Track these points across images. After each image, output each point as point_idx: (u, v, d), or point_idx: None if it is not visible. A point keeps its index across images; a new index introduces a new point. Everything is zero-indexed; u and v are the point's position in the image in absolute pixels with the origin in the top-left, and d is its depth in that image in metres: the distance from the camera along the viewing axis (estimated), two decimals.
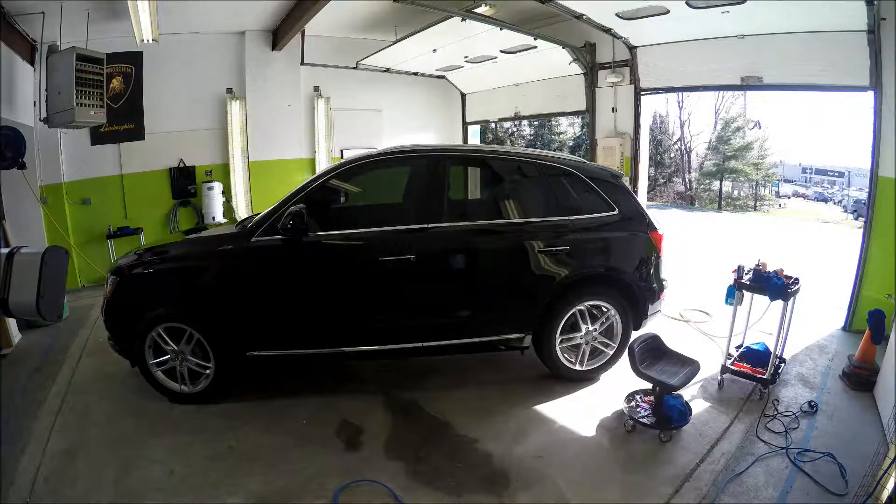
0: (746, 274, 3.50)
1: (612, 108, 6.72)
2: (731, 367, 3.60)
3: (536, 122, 25.17)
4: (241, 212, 7.23)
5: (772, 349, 3.50)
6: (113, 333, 3.43)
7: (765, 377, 3.43)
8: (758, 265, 3.52)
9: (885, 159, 4.17)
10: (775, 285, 3.34)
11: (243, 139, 7.16)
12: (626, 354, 3.39)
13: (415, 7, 5.28)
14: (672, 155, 27.19)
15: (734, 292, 3.49)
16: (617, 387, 3.49)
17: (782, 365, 3.73)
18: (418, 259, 3.27)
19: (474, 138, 10.18)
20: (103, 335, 3.63)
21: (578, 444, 3.00)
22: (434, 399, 3.44)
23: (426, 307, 3.43)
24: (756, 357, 3.61)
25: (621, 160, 6.58)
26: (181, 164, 6.88)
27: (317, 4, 5.47)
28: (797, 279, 3.42)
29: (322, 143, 7.95)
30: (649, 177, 9.81)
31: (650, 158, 9.93)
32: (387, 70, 8.28)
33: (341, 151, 8.04)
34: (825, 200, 27.25)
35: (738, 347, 3.81)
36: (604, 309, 3.58)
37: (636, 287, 3.61)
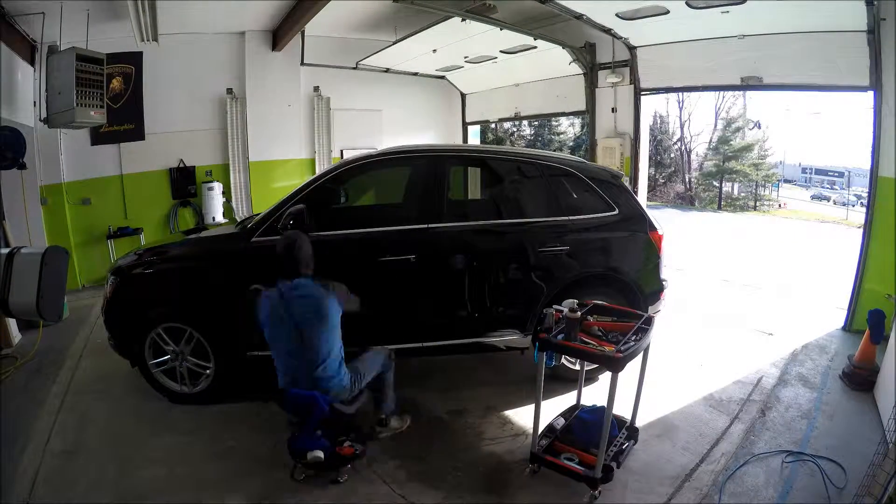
0: (558, 326, 2.39)
1: (612, 109, 6.71)
2: (542, 455, 2.50)
3: (536, 123, 25.10)
4: (241, 212, 7.23)
5: (627, 417, 2.42)
6: (113, 333, 3.43)
7: (590, 475, 2.19)
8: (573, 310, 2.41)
9: (885, 159, 4.17)
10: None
11: (243, 139, 7.16)
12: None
13: (415, 7, 5.28)
14: (672, 155, 27.15)
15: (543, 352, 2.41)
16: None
17: (629, 444, 2.61)
18: (418, 259, 3.27)
19: (474, 138, 10.18)
20: (103, 335, 3.62)
21: None
22: (434, 399, 3.44)
23: (426, 307, 3.43)
24: (595, 432, 2.38)
25: (621, 160, 6.58)
26: (181, 165, 6.87)
27: (317, 4, 5.47)
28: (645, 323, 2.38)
29: (322, 143, 7.95)
30: (649, 177, 9.81)
31: (650, 158, 9.92)
32: (387, 70, 8.27)
33: (341, 151, 8.04)
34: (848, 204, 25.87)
35: (568, 414, 2.70)
36: None
37: (636, 287, 3.61)
